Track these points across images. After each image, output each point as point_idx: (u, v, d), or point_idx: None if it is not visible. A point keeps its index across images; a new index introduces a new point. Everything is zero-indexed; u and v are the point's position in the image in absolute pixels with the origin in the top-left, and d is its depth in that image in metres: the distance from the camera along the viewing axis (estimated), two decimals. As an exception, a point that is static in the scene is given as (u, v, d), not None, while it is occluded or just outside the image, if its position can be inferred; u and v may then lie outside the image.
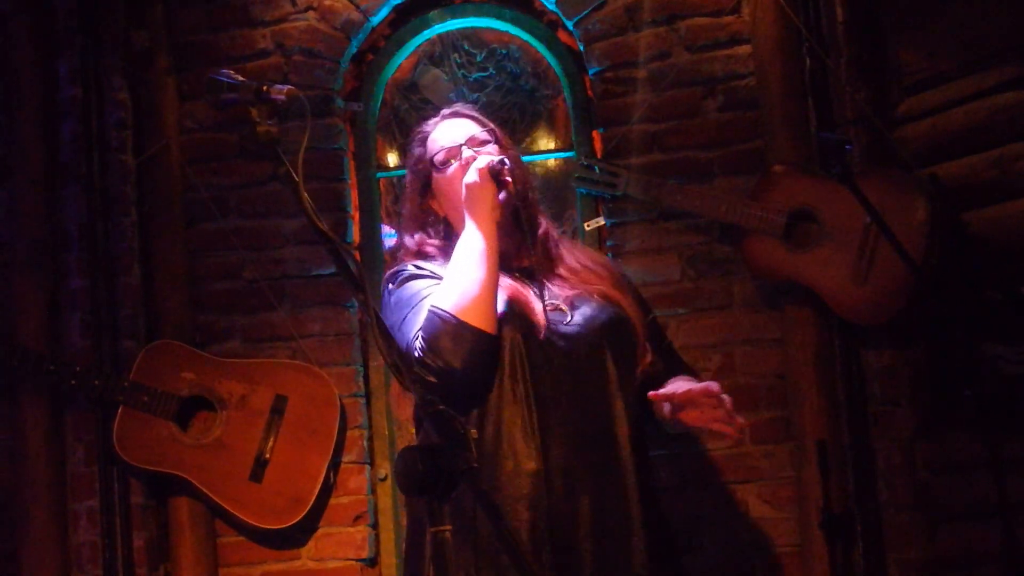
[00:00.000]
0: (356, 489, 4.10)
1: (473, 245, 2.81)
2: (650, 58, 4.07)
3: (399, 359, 2.17)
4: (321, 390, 4.05)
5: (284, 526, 3.96)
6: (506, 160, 2.88)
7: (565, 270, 3.04)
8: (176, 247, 4.20)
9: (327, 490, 4.04)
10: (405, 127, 4.41)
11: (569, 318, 2.89)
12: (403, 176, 4.35)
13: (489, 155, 2.91)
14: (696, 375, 3.11)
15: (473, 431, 2.79)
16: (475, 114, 3.15)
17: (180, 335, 4.11)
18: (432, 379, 2.72)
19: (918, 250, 3.48)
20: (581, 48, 4.16)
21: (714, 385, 2.79)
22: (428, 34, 4.38)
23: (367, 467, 4.13)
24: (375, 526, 4.12)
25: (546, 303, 2.89)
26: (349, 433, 4.11)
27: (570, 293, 2.95)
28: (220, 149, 4.27)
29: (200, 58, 4.28)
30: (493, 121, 3.17)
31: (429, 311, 2.76)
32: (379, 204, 4.36)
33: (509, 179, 2.88)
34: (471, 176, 2.85)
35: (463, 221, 2.89)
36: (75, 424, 4.08)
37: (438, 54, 4.42)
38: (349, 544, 4.07)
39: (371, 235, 4.30)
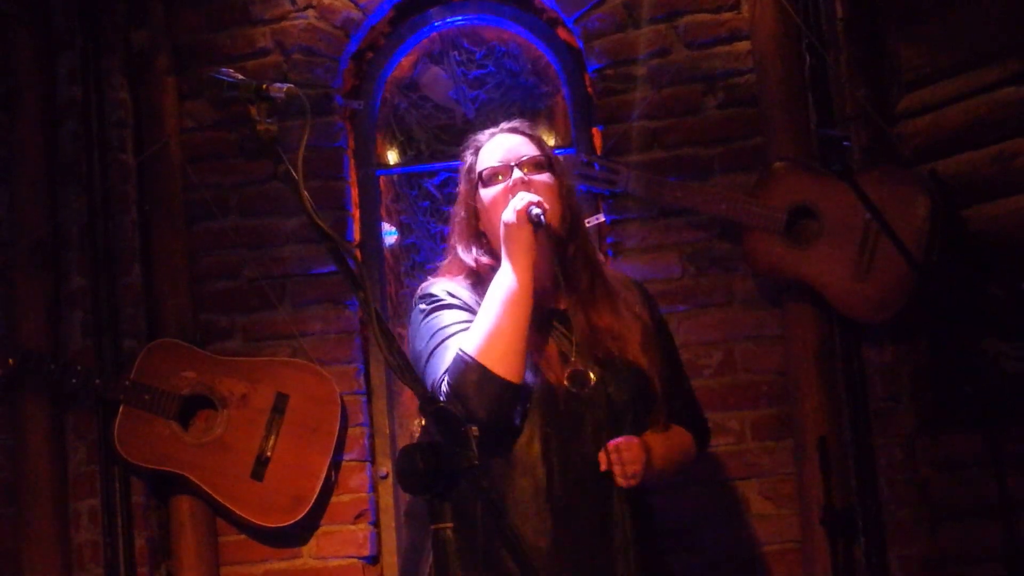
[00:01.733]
0: (357, 487, 4.10)
1: (506, 288, 2.76)
2: (650, 55, 4.07)
3: (392, 352, 2.15)
4: (322, 388, 4.05)
5: (285, 524, 3.96)
6: (545, 207, 2.78)
7: (603, 317, 2.94)
8: (177, 246, 4.20)
9: (328, 488, 4.04)
10: (405, 125, 4.42)
11: (591, 383, 2.83)
12: (404, 173, 4.41)
13: (530, 196, 2.80)
14: (697, 423, 3.14)
15: (473, 428, 2.78)
16: (532, 134, 3.04)
17: (181, 334, 4.11)
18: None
19: (918, 246, 3.48)
20: (581, 45, 4.16)
21: (622, 442, 2.78)
22: (428, 32, 4.38)
23: (368, 465, 4.14)
24: (376, 524, 4.12)
25: (571, 366, 2.84)
26: (350, 431, 4.11)
27: (599, 352, 2.88)
28: (220, 148, 4.27)
29: (200, 57, 4.28)
30: (547, 146, 3.05)
31: (457, 355, 2.73)
32: (379, 202, 4.36)
33: (546, 223, 2.78)
34: (508, 215, 2.78)
35: (499, 243, 2.84)
36: (76, 423, 4.08)
37: (438, 52, 4.42)
38: (351, 542, 4.07)
39: (371, 233, 4.30)
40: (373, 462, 4.16)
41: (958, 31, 3.65)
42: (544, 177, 2.91)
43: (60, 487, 4.04)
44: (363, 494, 4.10)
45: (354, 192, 4.30)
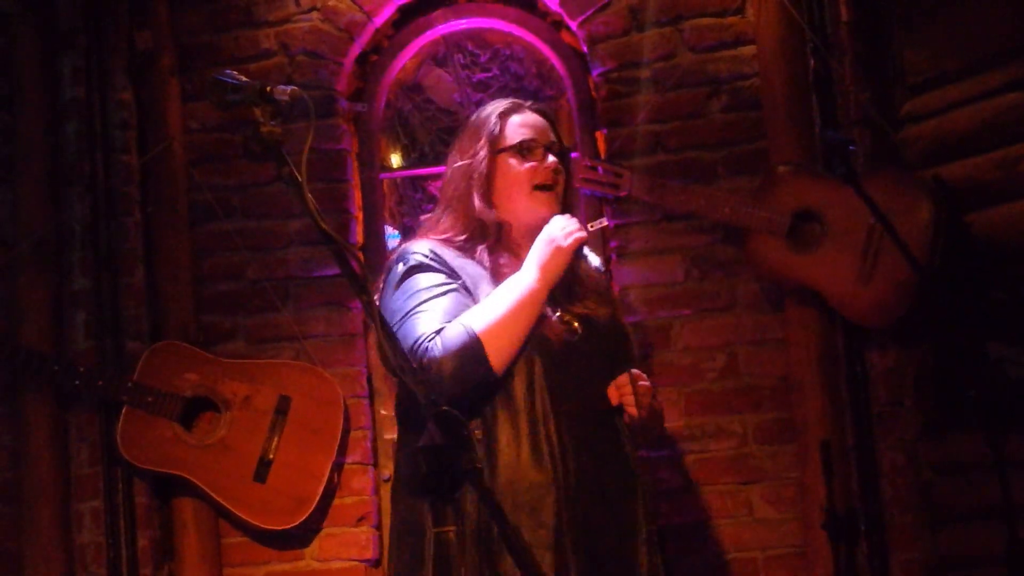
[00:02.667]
0: (360, 490, 4.10)
1: (528, 290, 2.87)
2: (654, 59, 4.07)
3: (394, 351, 2.16)
4: (325, 391, 4.05)
5: (288, 526, 3.96)
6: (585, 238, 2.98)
7: (582, 289, 3.07)
8: (180, 247, 4.20)
9: (331, 491, 4.04)
10: (408, 127, 4.42)
11: (581, 336, 2.94)
12: (408, 176, 4.41)
13: (582, 232, 2.97)
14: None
15: (477, 432, 2.79)
16: (555, 121, 3.19)
17: (184, 336, 4.11)
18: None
19: (922, 251, 3.47)
20: (585, 49, 4.16)
21: (636, 373, 2.92)
22: (432, 34, 4.38)
23: (371, 468, 4.13)
24: (379, 527, 4.12)
25: (560, 317, 2.93)
26: (353, 434, 4.11)
27: (583, 311, 2.99)
28: (224, 150, 4.27)
29: (204, 59, 4.28)
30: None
31: (465, 329, 2.78)
32: (383, 205, 4.36)
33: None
34: (562, 238, 2.92)
35: (506, 210, 3.00)
36: (79, 424, 4.08)
37: (442, 54, 4.42)
38: (353, 544, 4.07)
39: (375, 236, 4.30)
40: (376, 465, 4.16)
41: (963, 35, 3.64)
42: (563, 168, 3.07)
43: (63, 488, 4.04)
44: (366, 497, 4.10)
45: (357, 195, 4.30)
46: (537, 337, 2.87)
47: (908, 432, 3.75)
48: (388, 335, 2.13)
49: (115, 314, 4.11)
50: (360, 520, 4.08)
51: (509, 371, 2.84)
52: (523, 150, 3.02)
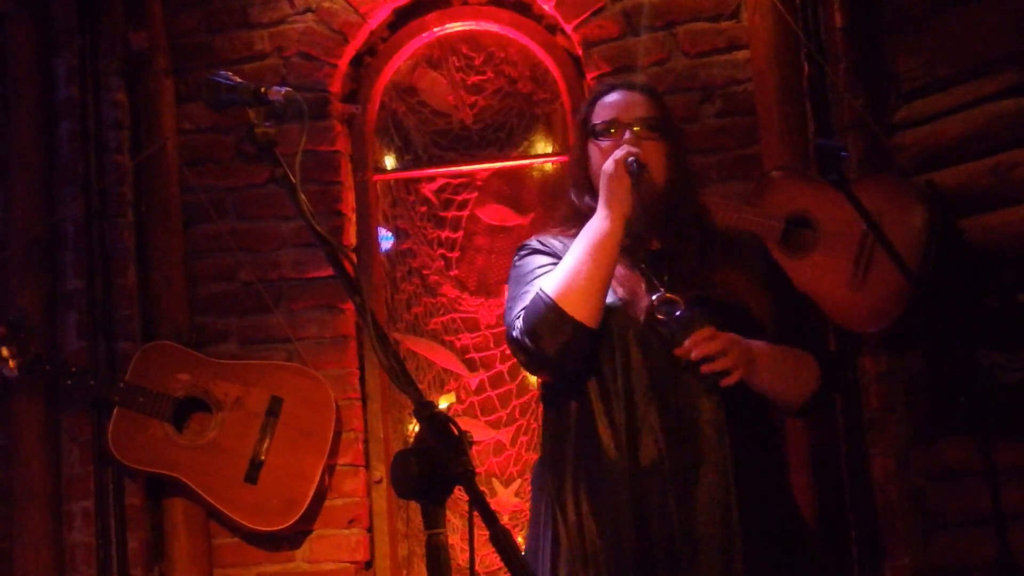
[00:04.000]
0: (352, 492, 4.10)
1: (594, 234, 2.72)
2: (649, 63, 4.08)
3: (385, 353, 2.14)
4: (317, 392, 4.05)
5: (279, 528, 3.96)
6: (645, 164, 2.74)
7: (714, 268, 2.86)
8: (173, 248, 4.20)
9: (322, 492, 4.04)
10: (403, 130, 4.42)
11: (682, 312, 2.68)
12: (402, 178, 4.41)
13: (632, 148, 2.76)
14: (820, 352, 2.89)
15: (469, 433, 2.75)
16: (651, 91, 3.00)
17: (176, 336, 4.11)
18: (523, 359, 2.73)
19: (915, 257, 3.48)
20: (580, 52, 4.16)
21: (705, 331, 2.63)
22: (426, 37, 4.38)
23: (363, 470, 4.13)
24: (370, 529, 4.12)
25: (660, 295, 2.72)
26: (345, 436, 4.11)
27: (699, 289, 2.77)
28: (217, 151, 4.27)
29: (198, 59, 4.28)
30: (666, 108, 2.99)
31: (536, 294, 2.71)
32: (376, 207, 4.36)
33: (643, 175, 2.74)
34: (608, 165, 2.75)
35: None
36: (70, 425, 4.08)
37: (436, 57, 4.42)
38: (344, 546, 4.07)
39: (367, 237, 4.30)
40: (368, 467, 4.16)
41: (957, 42, 3.65)
42: (656, 141, 2.86)
43: (54, 488, 4.04)
44: (357, 499, 4.10)
45: (351, 197, 4.30)
46: (631, 317, 2.75)
47: (899, 438, 3.75)
48: (380, 337, 2.13)
49: (107, 314, 4.11)
50: (351, 522, 4.08)
51: (604, 353, 2.73)
52: (603, 132, 2.89)
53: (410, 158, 4.43)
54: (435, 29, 4.36)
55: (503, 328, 3.01)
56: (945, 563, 3.66)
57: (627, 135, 2.84)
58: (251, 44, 4.29)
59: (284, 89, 2.19)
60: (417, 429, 3.54)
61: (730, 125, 4.03)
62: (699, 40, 4.07)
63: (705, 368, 2.61)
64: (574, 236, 2.83)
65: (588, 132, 2.94)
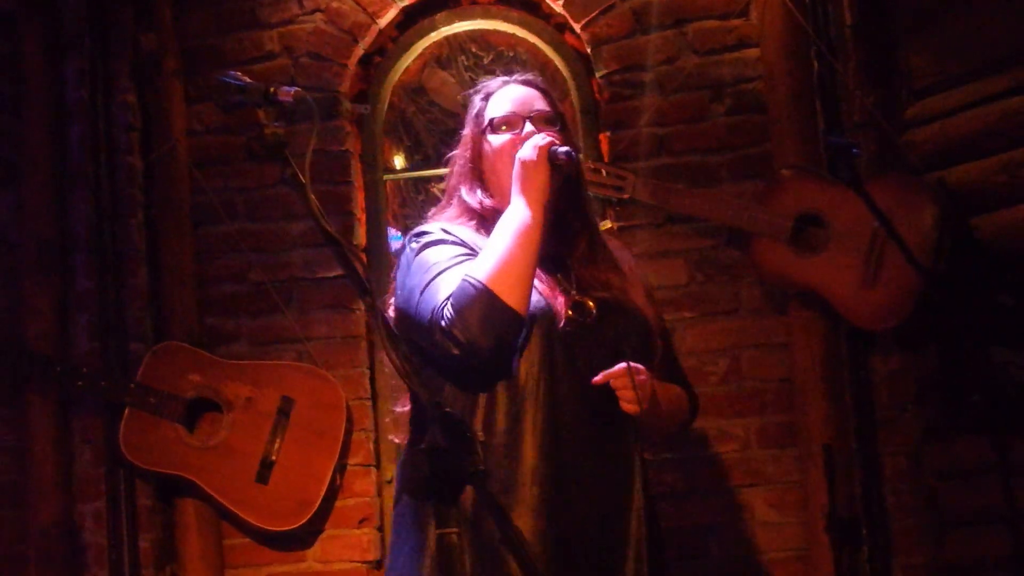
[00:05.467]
0: (362, 491, 4.10)
1: (518, 221, 2.69)
2: (658, 61, 4.07)
3: (396, 353, 2.13)
4: (328, 393, 4.05)
5: (290, 528, 3.96)
6: (572, 152, 2.75)
7: (602, 270, 2.89)
8: (183, 249, 4.20)
9: (333, 492, 4.04)
10: (412, 129, 4.42)
11: (593, 317, 2.76)
12: (412, 178, 4.42)
13: (550, 136, 2.77)
14: (688, 389, 3.04)
15: (480, 433, 2.74)
16: (545, 88, 3.01)
17: (187, 337, 4.11)
18: (455, 351, 2.62)
19: (926, 255, 3.47)
20: (589, 51, 4.16)
21: (632, 366, 2.69)
22: (435, 36, 4.38)
23: (374, 470, 4.13)
24: (381, 529, 4.11)
25: (572, 298, 2.77)
26: (355, 436, 4.11)
27: (602, 293, 2.82)
28: (227, 151, 4.27)
29: (208, 61, 4.28)
30: (559, 104, 3.03)
31: (463, 280, 2.64)
32: (386, 206, 4.36)
33: (565, 164, 2.74)
34: (527, 152, 2.73)
35: (501, 191, 2.81)
36: (82, 426, 4.08)
37: (445, 56, 4.42)
38: (355, 546, 4.07)
39: (377, 237, 4.30)
40: (379, 467, 4.16)
41: (968, 39, 3.64)
42: (553, 131, 2.85)
43: (65, 489, 4.04)
44: (368, 499, 4.10)
45: (360, 197, 4.30)
46: (547, 316, 2.73)
47: (911, 436, 3.75)
48: (390, 336, 2.13)
49: (118, 316, 4.11)
50: (362, 522, 4.08)
51: (523, 350, 2.70)
52: (502, 125, 2.88)
53: (420, 158, 4.44)
54: (444, 28, 4.35)
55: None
56: (958, 562, 3.65)
57: (526, 128, 2.84)
58: (260, 45, 4.29)
59: (293, 89, 2.20)
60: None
61: (740, 123, 4.02)
62: (709, 38, 4.06)
63: (622, 403, 2.67)
64: (477, 228, 2.85)
65: (483, 127, 2.91)
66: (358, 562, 4.06)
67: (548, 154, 2.72)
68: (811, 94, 3.92)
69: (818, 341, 3.82)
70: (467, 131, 2.98)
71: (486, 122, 2.92)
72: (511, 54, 4.38)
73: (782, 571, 3.87)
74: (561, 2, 4.17)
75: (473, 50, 4.41)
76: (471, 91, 3.06)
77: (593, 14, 4.12)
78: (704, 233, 3.99)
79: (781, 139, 3.90)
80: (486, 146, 2.90)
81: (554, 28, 4.29)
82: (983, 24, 3.62)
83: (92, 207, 4.15)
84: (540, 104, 2.92)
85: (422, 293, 2.71)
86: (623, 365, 2.67)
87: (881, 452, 3.79)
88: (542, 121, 2.88)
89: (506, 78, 3.02)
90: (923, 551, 3.70)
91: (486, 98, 2.96)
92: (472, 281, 2.62)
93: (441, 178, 4.32)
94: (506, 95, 2.94)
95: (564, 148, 2.73)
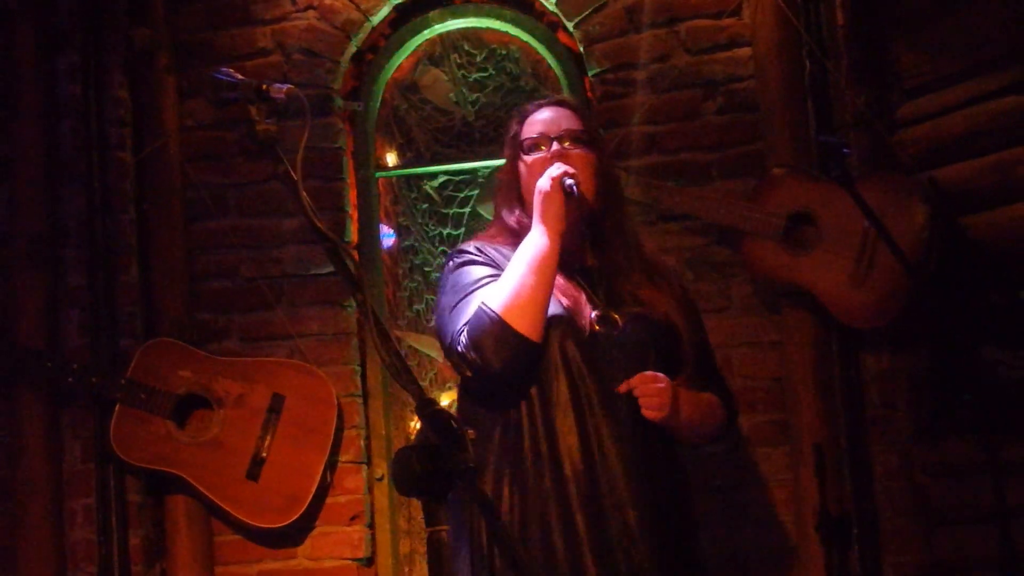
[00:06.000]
0: (353, 489, 4.10)
1: (535, 249, 2.81)
2: (650, 60, 4.07)
3: (388, 351, 2.15)
4: (318, 389, 4.05)
5: (280, 525, 3.96)
6: (578, 178, 2.86)
7: (633, 282, 2.98)
8: (175, 245, 4.19)
9: (324, 489, 4.04)
10: (404, 127, 4.42)
11: (619, 325, 2.87)
12: (404, 175, 4.42)
13: (565, 167, 2.87)
14: (726, 397, 3.09)
15: (470, 431, 2.75)
16: (578, 107, 3.12)
17: (178, 333, 4.11)
18: (468, 373, 2.78)
19: (917, 254, 3.48)
20: (581, 49, 4.16)
21: (650, 374, 2.81)
22: (428, 34, 4.38)
23: (364, 467, 4.13)
24: (372, 526, 4.12)
25: (598, 311, 2.89)
26: (346, 433, 4.11)
27: (631, 307, 2.92)
28: (219, 147, 4.27)
29: (200, 56, 4.27)
30: (592, 122, 3.13)
31: (478, 308, 2.77)
32: (377, 204, 4.36)
33: (577, 194, 2.85)
34: (543, 183, 2.85)
35: (532, 210, 2.91)
36: (72, 422, 4.08)
37: (438, 54, 4.42)
38: (345, 543, 4.07)
39: (369, 235, 4.30)
40: (369, 464, 4.16)
41: (959, 39, 3.65)
42: (582, 151, 2.96)
43: (56, 485, 4.04)
44: (359, 496, 4.10)
45: (352, 194, 4.30)
46: (570, 328, 2.84)
47: (901, 435, 3.75)
48: (381, 334, 2.13)
49: (109, 311, 4.11)
50: (353, 519, 4.08)
51: (546, 362, 2.81)
52: (533, 147, 3.00)
53: (412, 155, 4.43)
54: (436, 26, 4.35)
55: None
56: (947, 560, 3.66)
57: (553, 147, 2.95)
58: (253, 41, 4.29)
59: (286, 86, 2.19)
60: (419, 426, 3.56)
61: (732, 122, 4.03)
62: (701, 37, 4.06)
63: (643, 410, 2.78)
64: (508, 246, 2.95)
65: (518, 148, 3.03)
66: (348, 559, 4.06)
67: (561, 184, 2.83)
68: (803, 93, 3.92)
69: (809, 340, 3.82)
70: (506, 152, 3.12)
71: (520, 144, 3.03)
72: (504, 52, 4.38)
73: (773, 569, 3.87)
74: (554, 0, 4.17)
75: (466, 47, 4.41)
76: (511, 115, 3.17)
77: (586, 12, 4.12)
78: (695, 231, 3.99)
79: (773, 138, 3.91)
80: (521, 167, 3.02)
81: (547, 26, 4.29)
82: (974, 24, 3.62)
83: (84, 202, 4.15)
84: (569, 124, 3.01)
85: (449, 314, 2.87)
86: (644, 373, 2.80)
87: (872, 451, 3.80)
88: (571, 140, 2.98)
89: (542, 100, 3.13)
90: (913, 549, 3.71)
91: (521, 121, 3.08)
92: (487, 310, 2.76)
93: (433, 175, 4.35)
94: (539, 117, 3.05)
95: (569, 180, 2.84)
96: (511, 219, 3.02)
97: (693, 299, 3.21)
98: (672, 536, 2.82)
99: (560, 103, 3.10)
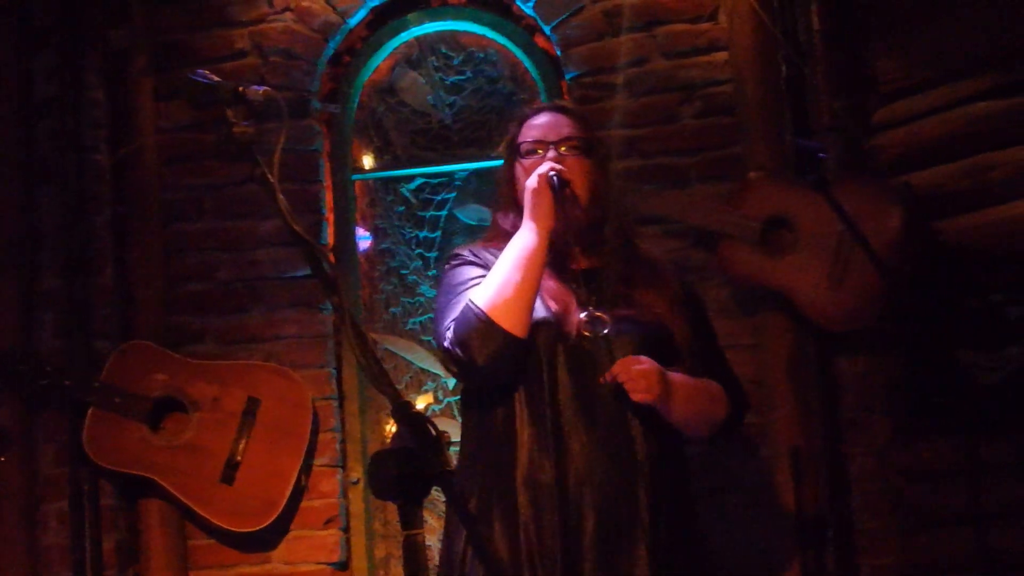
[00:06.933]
0: (328, 492, 4.09)
1: (521, 247, 2.83)
2: (628, 64, 4.07)
3: (363, 353, 2.15)
4: (294, 392, 4.03)
5: (255, 529, 3.94)
6: (568, 180, 2.88)
7: (628, 283, 3.00)
8: (151, 247, 4.17)
9: (298, 493, 4.03)
10: (382, 129, 4.41)
11: (608, 330, 2.86)
12: (381, 178, 4.41)
13: (554, 164, 2.89)
14: (732, 387, 3.08)
15: (446, 434, 2.76)
16: (577, 113, 3.13)
17: (153, 336, 4.09)
18: (455, 369, 2.85)
19: (891, 257, 3.49)
20: (559, 53, 4.16)
21: (631, 358, 2.80)
22: (406, 36, 4.38)
23: (339, 470, 4.12)
24: (347, 530, 4.11)
25: (589, 313, 2.87)
26: (321, 436, 4.09)
27: (623, 308, 2.92)
28: (196, 149, 4.25)
29: (178, 58, 4.26)
30: (592, 127, 3.12)
31: (465, 305, 2.81)
32: (354, 206, 4.35)
33: (567, 192, 2.87)
34: (531, 180, 2.87)
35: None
36: (46, 425, 4.05)
37: (416, 57, 4.41)
38: (320, 548, 4.06)
39: (346, 237, 4.29)
40: (344, 467, 4.15)
41: (935, 44, 3.66)
42: (580, 158, 2.98)
43: (29, 489, 4.01)
44: (334, 499, 4.09)
45: (329, 196, 4.29)
46: (554, 329, 2.86)
47: (878, 438, 3.77)
48: (358, 336, 2.12)
49: (85, 313, 4.08)
50: (328, 523, 4.07)
51: (534, 364, 2.83)
52: (529, 151, 3.01)
53: (389, 158, 4.43)
54: (414, 29, 4.35)
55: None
56: (924, 562, 3.68)
57: (551, 153, 2.95)
58: (231, 43, 4.27)
59: (263, 88, 2.19)
60: (395, 429, 3.56)
61: (709, 126, 4.03)
62: (678, 41, 4.07)
63: (632, 395, 2.75)
64: (503, 249, 2.93)
65: (515, 152, 3.04)
66: (323, 563, 4.05)
67: (548, 181, 2.85)
68: (780, 97, 3.94)
69: (786, 343, 3.83)
70: (504, 156, 3.14)
71: (516, 147, 3.05)
72: (482, 55, 4.38)
73: (748, 571, 3.88)
74: (531, 4, 4.17)
75: (443, 50, 4.40)
76: (510, 118, 3.20)
77: (563, 16, 4.13)
78: (673, 235, 3.99)
79: (750, 142, 3.92)
80: (518, 170, 3.03)
81: (524, 30, 4.29)
82: (950, 30, 3.64)
83: (60, 204, 4.12)
84: (567, 130, 3.02)
85: (439, 314, 2.93)
86: (625, 359, 2.79)
87: (848, 453, 3.81)
88: (568, 147, 2.99)
89: (541, 105, 3.19)
90: (890, 552, 3.72)
91: (519, 124, 3.10)
92: (472, 307, 2.79)
93: (409, 178, 4.34)
94: (537, 121, 3.06)
95: (559, 176, 2.86)
96: (507, 223, 3.03)
97: (697, 297, 3.21)
98: (665, 538, 2.81)
99: (559, 108, 3.11)
